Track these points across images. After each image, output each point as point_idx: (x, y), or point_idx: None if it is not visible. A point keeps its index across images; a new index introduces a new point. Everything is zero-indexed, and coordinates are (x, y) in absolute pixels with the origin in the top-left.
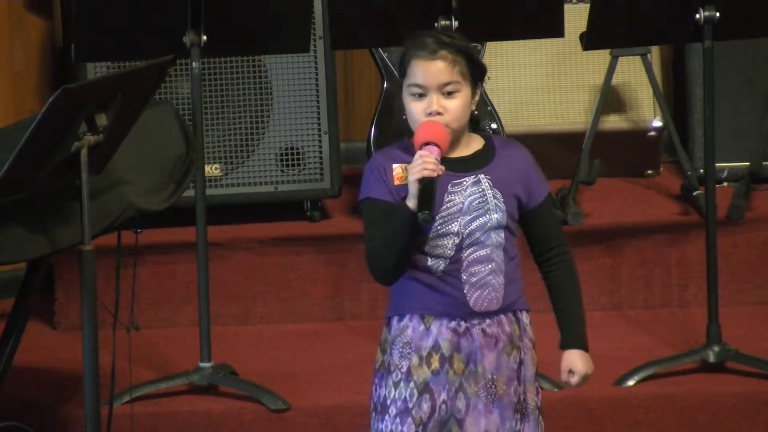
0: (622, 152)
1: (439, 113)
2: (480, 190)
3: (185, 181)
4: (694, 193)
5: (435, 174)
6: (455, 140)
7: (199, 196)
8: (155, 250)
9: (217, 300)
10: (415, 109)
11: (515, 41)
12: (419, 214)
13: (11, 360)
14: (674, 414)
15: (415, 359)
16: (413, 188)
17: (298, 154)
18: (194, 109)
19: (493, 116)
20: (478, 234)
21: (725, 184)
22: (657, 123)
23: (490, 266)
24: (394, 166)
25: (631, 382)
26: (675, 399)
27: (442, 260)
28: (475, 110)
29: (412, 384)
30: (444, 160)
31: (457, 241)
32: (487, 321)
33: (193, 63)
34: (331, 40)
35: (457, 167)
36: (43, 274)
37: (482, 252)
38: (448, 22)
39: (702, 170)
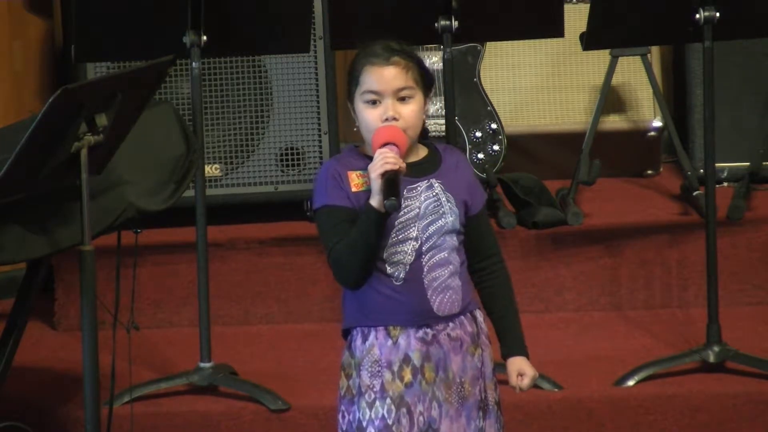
0: (622, 152)
1: (395, 119)
2: (434, 194)
3: (185, 181)
4: (694, 193)
5: (397, 167)
6: (408, 148)
7: (199, 196)
8: (155, 250)
9: (217, 300)
10: (370, 117)
11: (515, 41)
12: (386, 201)
13: (11, 360)
14: (674, 414)
15: (387, 375)
16: (376, 184)
17: (298, 154)
18: (194, 109)
19: (493, 116)
20: (435, 238)
21: (725, 184)
22: (657, 123)
23: (449, 269)
24: (350, 173)
25: (631, 383)
26: (675, 399)
27: (401, 267)
28: (425, 121)
29: (388, 400)
30: None
31: (416, 245)
32: (451, 325)
33: (193, 63)
34: (331, 40)
35: (410, 172)
36: (43, 274)
37: (441, 255)
38: (448, 22)
39: (702, 170)
